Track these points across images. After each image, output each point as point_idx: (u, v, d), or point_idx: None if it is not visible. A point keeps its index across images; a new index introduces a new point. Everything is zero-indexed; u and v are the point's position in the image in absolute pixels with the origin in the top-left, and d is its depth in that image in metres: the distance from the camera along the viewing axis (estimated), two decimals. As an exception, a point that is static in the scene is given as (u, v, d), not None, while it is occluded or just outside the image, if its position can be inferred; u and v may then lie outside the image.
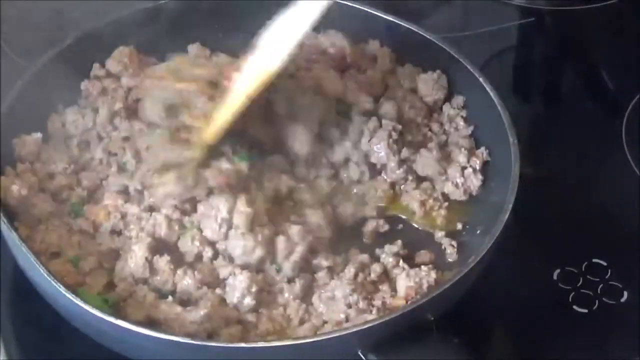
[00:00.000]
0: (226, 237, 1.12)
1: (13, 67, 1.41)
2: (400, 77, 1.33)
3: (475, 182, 1.24)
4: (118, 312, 1.05)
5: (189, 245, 1.12)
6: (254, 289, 1.08)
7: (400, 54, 1.35)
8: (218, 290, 1.09)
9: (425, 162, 1.25)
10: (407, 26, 1.32)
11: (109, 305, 1.07)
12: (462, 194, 1.24)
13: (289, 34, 1.14)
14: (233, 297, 1.08)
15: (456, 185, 1.24)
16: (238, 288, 1.08)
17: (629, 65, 1.54)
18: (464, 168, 1.25)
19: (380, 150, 1.23)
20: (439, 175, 1.24)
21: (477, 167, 1.24)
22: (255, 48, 1.16)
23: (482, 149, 1.26)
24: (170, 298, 1.07)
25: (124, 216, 1.15)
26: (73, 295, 1.01)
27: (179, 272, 1.09)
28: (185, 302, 1.08)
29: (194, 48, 1.37)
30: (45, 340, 1.15)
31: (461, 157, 1.25)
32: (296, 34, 1.14)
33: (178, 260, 1.11)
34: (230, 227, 1.12)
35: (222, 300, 1.09)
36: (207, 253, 1.12)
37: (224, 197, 1.13)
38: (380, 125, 1.25)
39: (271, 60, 1.14)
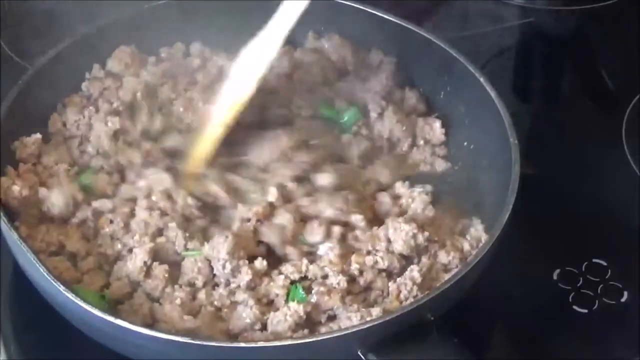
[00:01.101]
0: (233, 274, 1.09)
1: (13, 67, 1.41)
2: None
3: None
4: (116, 313, 1.05)
5: (192, 269, 1.10)
6: (257, 327, 1.06)
7: (401, 54, 1.35)
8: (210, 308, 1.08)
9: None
10: (408, 26, 1.32)
11: (105, 302, 1.07)
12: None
13: (257, 62, 1.19)
14: (236, 323, 1.06)
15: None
16: (243, 319, 1.06)
17: (629, 65, 1.54)
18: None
19: None
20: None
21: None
22: (227, 78, 1.21)
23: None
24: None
25: (126, 224, 1.14)
26: (72, 295, 1.01)
27: (176, 287, 1.08)
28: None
29: (194, 48, 1.37)
30: (45, 340, 1.15)
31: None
32: (263, 62, 1.19)
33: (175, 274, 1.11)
34: (234, 263, 1.09)
35: (217, 317, 1.07)
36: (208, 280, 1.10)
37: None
38: None
39: (243, 89, 1.19)
